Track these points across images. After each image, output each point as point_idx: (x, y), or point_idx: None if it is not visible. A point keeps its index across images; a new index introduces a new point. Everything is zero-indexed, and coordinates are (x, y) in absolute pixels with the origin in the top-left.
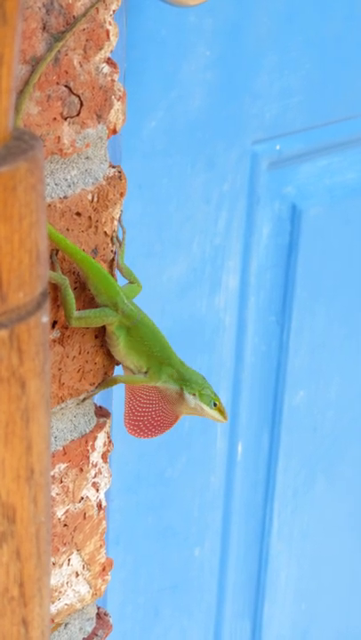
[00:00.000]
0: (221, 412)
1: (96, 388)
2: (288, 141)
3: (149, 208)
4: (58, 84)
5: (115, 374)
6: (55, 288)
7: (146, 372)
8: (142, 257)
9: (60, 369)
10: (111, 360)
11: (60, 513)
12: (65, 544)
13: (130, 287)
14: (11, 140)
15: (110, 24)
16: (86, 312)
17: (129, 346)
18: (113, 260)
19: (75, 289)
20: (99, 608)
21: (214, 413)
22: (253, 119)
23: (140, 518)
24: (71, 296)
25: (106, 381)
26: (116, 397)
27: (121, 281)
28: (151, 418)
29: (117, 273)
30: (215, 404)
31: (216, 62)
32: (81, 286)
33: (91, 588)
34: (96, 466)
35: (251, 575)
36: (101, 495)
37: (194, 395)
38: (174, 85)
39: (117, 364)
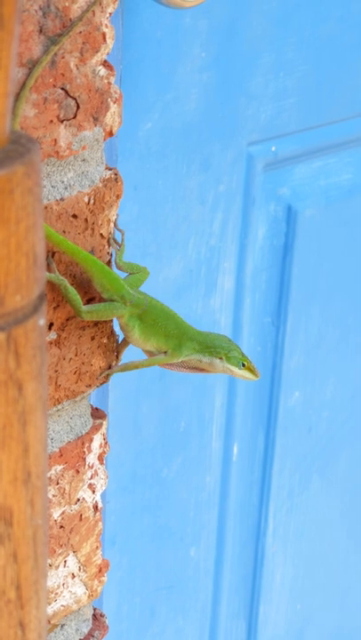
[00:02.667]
0: (251, 370)
1: (112, 370)
2: (283, 143)
3: (145, 209)
4: (54, 86)
5: (134, 359)
6: (52, 289)
7: (166, 352)
8: (138, 258)
9: (56, 371)
10: (108, 360)
11: (57, 515)
12: (61, 546)
13: (133, 277)
14: (8, 144)
15: (107, 27)
16: (95, 306)
17: (145, 332)
18: (109, 261)
19: None
20: (95, 609)
21: (244, 373)
22: (249, 120)
23: (135, 519)
24: (74, 292)
25: (126, 365)
26: (113, 399)
27: (123, 276)
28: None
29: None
30: (244, 365)
31: (211, 64)
32: (77, 288)
33: (87, 589)
34: (92, 467)
35: (246, 575)
36: (97, 496)
37: (221, 359)
38: (170, 87)
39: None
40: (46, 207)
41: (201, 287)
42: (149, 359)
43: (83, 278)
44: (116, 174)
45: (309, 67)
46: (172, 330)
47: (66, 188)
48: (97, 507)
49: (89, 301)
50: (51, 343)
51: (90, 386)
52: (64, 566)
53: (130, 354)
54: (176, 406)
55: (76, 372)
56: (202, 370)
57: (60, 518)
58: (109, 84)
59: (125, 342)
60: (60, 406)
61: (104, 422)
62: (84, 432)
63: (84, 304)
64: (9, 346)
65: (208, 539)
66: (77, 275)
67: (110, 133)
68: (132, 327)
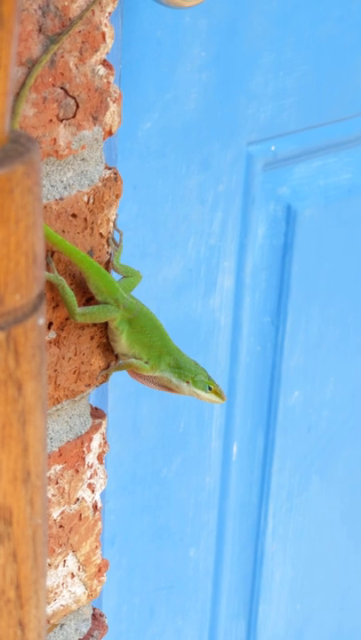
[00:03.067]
0: (218, 393)
1: (110, 369)
2: (283, 142)
3: (145, 209)
4: (54, 85)
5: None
6: (51, 289)
7: (147, 362)
8: (137, 257)
9: (55, 370)
10: (107, 360)
11: (56, 514)
12: (61, 545)
13: (126, 281)
14: (7, 143)
15: (106, 26)
16: (89, 308)
17: (131, 338)
18: (109, 261)
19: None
20: (94, 609)
21: (210, 396)
22: (248, 120)
23: (135, 519)
24: (71, 294)
25: (120, 365)
26: (112, 399)
27: (116, 277)
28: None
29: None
30: (210, 388)
31: (211, 63)
32: (76, 287)
33: (86, 588)
34: (92, 467)
35: (246, 575)
36: (97, 496)
37: (187, 382)
38: (170, 86)
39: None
40: (45, 207)
41: (201, 286)
42: (140, 362)
43: (82, 278)
44: (115, 174)
45: (309, 66)
46: (156, 341)
47: (65, 188)
48: (96, 506)
49: (88, 301)
50: (50, 342)
51: (89, 385)
52: (63, 566)
53: None
54: (175, 406)
55: (75, 372)
56: (170, 389)
57: (59, 518)
58: (109, 83)
59: None
60: (59, 406)
61: (103, 422)
62: (83, 432)
63: (83, 304)
64: (8, 345)
65: (208, 539)
66: (77, 274)
67: (110, 133)
68: (121, 332)
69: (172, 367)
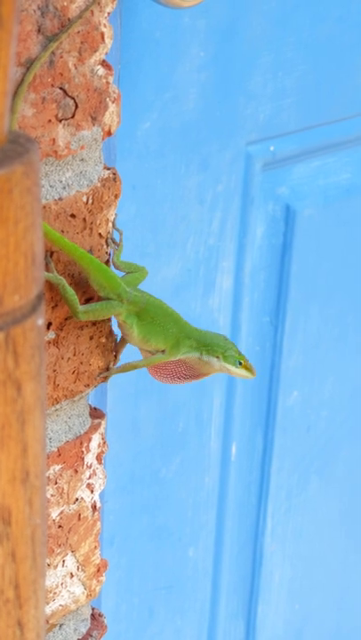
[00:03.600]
0: (248, 368)
1: (109, 372)
2: (282, 142)
3: (143, 209)
4: (53, 86)
5: (132, 360)
6: (50, 289)
7: (164, 351)
8: (136, 257)
9: (54, 370)
10: (106, 360)
11: (55, 514)
12: (59, 545)
13: (131, 276)
14: (6, 144)
15: (105, 26)
16: (92, 305)
17: (144, 330)
18: (108, 261)
19: None
20: (93, 609)
21: (241, 371)
22: (247, 120)
23: (134, 519)
24: (71, 292)
25: (124, 366)
26: (111, 399)
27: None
28: (178, 377)
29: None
30: (240, 363)
31: (210, 63)
32: (76, 287)
33: (85, 588)
34: (91, 467)
35: (244, 575)
36: (96, 496)
37: (218, 357)
38: (168, 86)
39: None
40: (45, 207)
41: (200, 287)
42: (147, 359)
43: (81, 278)
44: (114, 174)
45: (308, 66)
46: (171, 328)
47: (64, 188)
48: (95, 506)
49: (87, 301)
50: (49, 343)
51: (88, 385)
52: (62, 566)
53: (128, 354)
54: (175, 406)
55: (74, 372)
56: (197, 371)
57: (58, 518)
58: (108, 83)
59: (124, 341)
60: (58, 406)
61: (102, 422)
62: (82, 432)
63: (83, 303)
64: (7, 345)
65: (206, 539)
66: (76, 274)
67: (109, 133)
68: (131, 325)
69: (196, 347)
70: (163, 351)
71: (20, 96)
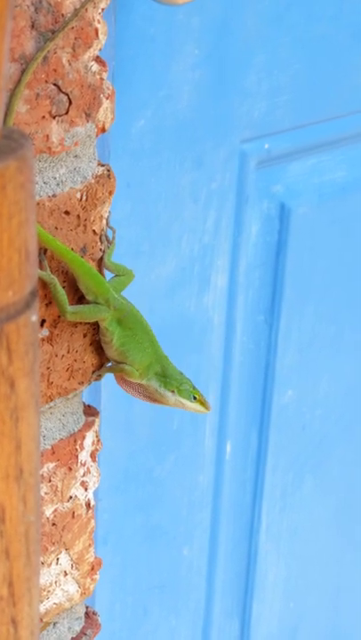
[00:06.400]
0: (202, 403)
1: (102, 370)
2: (277, 140)
3: (138, 207)
4: (46, 82)
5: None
6: (44, 287)
7: (137, 370)
8: (131, 256)
9: (48, 368)
10: (100, 358)
11: (49, 512)
12: (53, 543)
13: (118, 280)
14: (0, 139)
15: (99, 22)
16: (80, 307)
17: (123, 342)
18: (101, 258)
19: (63, 288)
20: (87, 607)
21: (195, 406)
22: (242, 118)
23: (128, 517)
24: (62, 292)
25: (113, 367)
26: (105, 396)
27: (109, 277)
28: (139, 395)
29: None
30: (195, 398)
31: (205, 61)
32: (69, 285)
33: (79, 587)
34: (85, 465)
35: (239, 574)
36: (90, 494)
37: (172, 391)
38: (163, 84)
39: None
40: (38, 203)
41: (194, 285)
42: (130, 368)
43: (74, 277)
44: (108, 170)
45: (303, 64)
46: (146, 346)
47: (58, 185)
48: (89, 504)
49: (80, 300)
50: (43, 340)
51: (82, 383)
52: (56, 564)
53: None
54: None
55: (68, 370)
56: (154, 400)
57: (52, 516)
58: (102, 79)
59: None
60: (52, 403)
61: (96, 420)
62: (76, 429)
63: (76, 302)
64: (1, 342)
65: (201, 538)
66: (69, 272)
67: (103, 129)
68: (112, 332)
69: (159, 375)
70: (137, 369)
71: (17, 95)
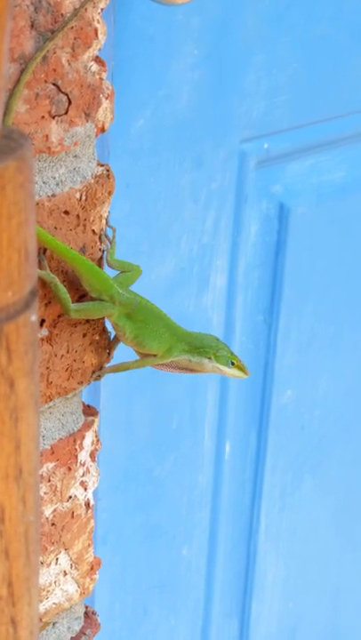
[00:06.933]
0: (241, 368)
1: (102, 371)
2: (276, 140)
3: (137, 207)
4: (46, 82)
5: (125, 360)
6: (43, 286)
7: (155, 355)
8: (130, 256)
9: (48, 368)
10: (100, 358)
11: (48, 512)
12: (53, 543)
13: (124, 276)
14: None
15: (98, 22)
16: (84, 305)
17: (137, 333)
18: (101, 258)
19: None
20: (87, 607)
21: (233, 371)
22: (241, 118)
23: (127, 517)
24: (63, 290)
25: (117, 367)
26: (104, 396)
27: (112, 274)
28: (172, 369)
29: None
30: (233, 363)
31: (204, 61)
32: (69, 284)
33: (79, 587)
34: (84, 465)
35: (238, 574)
36: (89, 494)
37: (210, 358)
38: (162, 84)
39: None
40: (38, 203)
41: (193, 285)
42: (140, 360)
43: (74, 275)
44: (108, 170)
45: (302, 64)
46: (162, 331)
47: (57, 185)
48: (89, 504)
49: (80, 298)
50: (42, 340)
51: (82, 383)
52: (56, 564)
53: (122, 353)
54: (168, 404)
55: (67, 369)
56: (192, 370)
57: (51, 516)
58: (101, 79)
59: (118, 339)
60: (51, 403)
61: (96, 419)
62: (75, 429)
63: (76, 301)
64: (0, 342)
65: (200, 537)
66: (69, 271)
67: (102, 129)
68: (123, 327)
69: (188, 350)
70: (155, 354)
71: (16, 95)
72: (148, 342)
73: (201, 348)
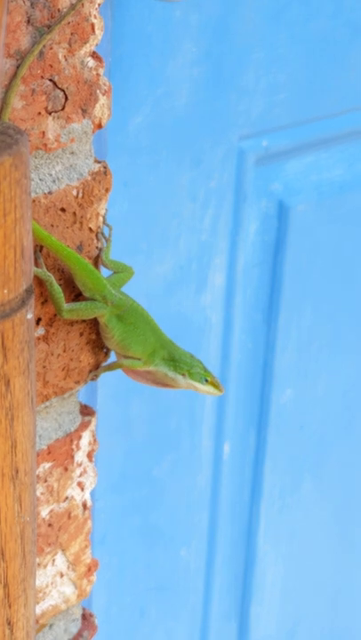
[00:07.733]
0: (215, 385)
1: (99, 370)
2: (275, 138)
3: (135, 205)
4: (42, 77)
5: (117, 360)
6: (39, 284)
7: (140, 359)
8: (128, 254)
9: (44, 367)
10: (97, 357)
11: (45, 513)
12: (49, 544)
13: (117, 277)
14: None
15: (95, 17)
16: (77, 304)
17: (124, 336)
18: (98, 256)
19: (59, 285)
20: (84, 609)
21: (208, 388)
22: (240, 115)
23: (125, 518)
24: (58, 290)
25: (111, 365)
26: (102, 396)
27: (106, 273)
28: (147, 381)
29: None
30: (207, 380)
31: (202, 58)
32: (65, 283)
33: (76, 588)
34: (81, 465)
35: (237, 575)
36: (87, 495)
37: (183, 375)
38: (160, 81)
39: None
40: (34, 200)
41: (192, 284)
42: (131, 361)
43: (70, 274)
44: (105, 167)
45: (301, 62)
46: (148, 335)
47: (54, 182)
48: (86, 505)
49: (76, 297)
50: (39, 339)
51: (78, 382)
52: (52, 565)
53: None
54: (167, 404)
55: (64, 369)
56: (166, 385)
57: (48, 516)
58: (98, 75)
59: None
60: (48, 403)
61: (93, 419)
62: (72, 429)
63: (72, 300)
64: None
65: (199, 539)
66: (65, 270)
67: (99, 126)
68: (112, 328)
69: (167, 360)
70: (139, 358)
71: (12, 90)
72: (134, 346)
73: (178, 361)
